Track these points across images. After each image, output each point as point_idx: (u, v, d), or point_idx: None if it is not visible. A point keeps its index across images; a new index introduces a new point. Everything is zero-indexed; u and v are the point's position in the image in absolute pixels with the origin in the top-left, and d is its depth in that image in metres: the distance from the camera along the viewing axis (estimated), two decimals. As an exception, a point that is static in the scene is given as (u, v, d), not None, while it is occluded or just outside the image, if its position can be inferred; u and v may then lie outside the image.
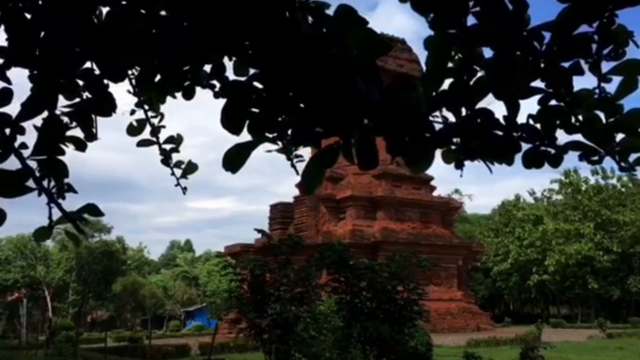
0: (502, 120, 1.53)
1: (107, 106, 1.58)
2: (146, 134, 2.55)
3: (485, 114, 1.45)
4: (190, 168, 2.49)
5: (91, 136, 1.65)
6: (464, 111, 1.51)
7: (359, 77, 1.28)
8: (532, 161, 1.54)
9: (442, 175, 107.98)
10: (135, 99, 2.43)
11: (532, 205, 56.53)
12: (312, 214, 34.67)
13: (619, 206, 49.48)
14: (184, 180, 2.52)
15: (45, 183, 1.67)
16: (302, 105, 1.48)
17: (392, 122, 1.42)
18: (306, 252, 13.16)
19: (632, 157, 1.78)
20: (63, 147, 1.65)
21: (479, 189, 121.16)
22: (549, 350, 10.70)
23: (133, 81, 2.11)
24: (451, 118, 1.55)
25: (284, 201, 37.19)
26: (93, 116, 1.62)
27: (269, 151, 2.10)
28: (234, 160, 1.74)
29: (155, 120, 2.43)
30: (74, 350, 18.62)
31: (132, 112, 2.39)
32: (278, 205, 36.64)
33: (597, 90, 1.65)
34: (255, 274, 10.55)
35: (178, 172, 2.62)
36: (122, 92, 2.24)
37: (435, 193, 39.62)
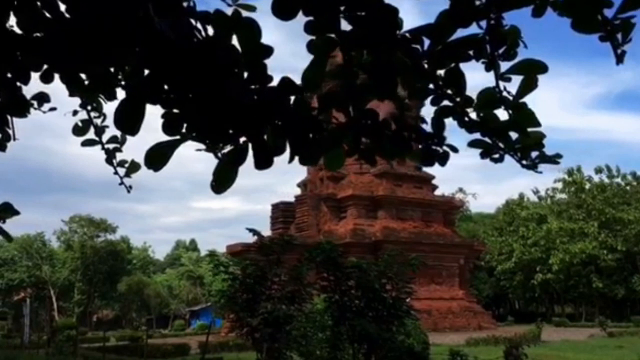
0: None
1: (21, 107, 1.64)
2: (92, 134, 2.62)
3: (372, 114, 1.50)
4: (133, 167, 2.55)
5: (7, 136, 1.71)
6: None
7: (230, 79, 1.34)
8: (424, 159, 1.60)
9: (447, 174, 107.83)
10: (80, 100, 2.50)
11: (536, 204, 56.34)
12: (313, 213, 34.74)
13: (623, 204, 49.27)
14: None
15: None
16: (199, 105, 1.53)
17: (278, 122, 1.47)
18: (303, 251, 13.19)
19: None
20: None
21: (484, 187, 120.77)
22: (539, 348, 10.71)
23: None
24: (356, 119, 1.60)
25: (286, 200, 37.31)
26: (8, 117, 1.68)
27: (198, 150, 2.16)
28: (156, 158, 1.78)
29: (98, 121, 2.49)
30: (74, 349, 18.77)
31: (75, 113, 2.45)
32: (279, 204, 36.74)
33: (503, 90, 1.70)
34: (246, 273, 10.60)
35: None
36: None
37: (440, 192, 39.67)
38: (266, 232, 34.26)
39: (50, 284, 61.78)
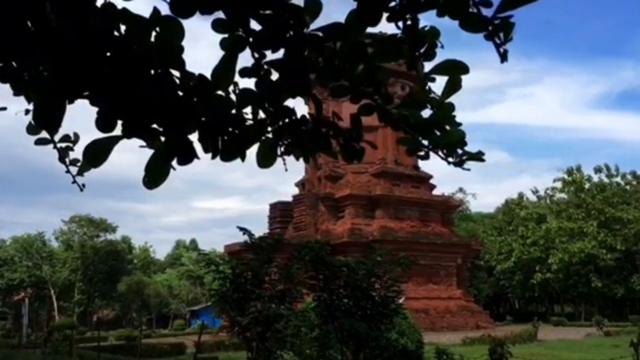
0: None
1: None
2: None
3: (288, 111, 1.52)
4: (85, 166, 2.57)
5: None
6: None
7: (146, 77, 1.35)
8: (344, 155, 1.62)
9: (447, 174, 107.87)
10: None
11: (535, 204, 56.29)
12: (311, 212, 34.76)
13: (623, 204, 49.21)
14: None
15: None
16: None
17: (198, 119, 1.49)
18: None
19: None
20: None
21: (484, 187, 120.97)
22: (534, 347, 10.70)
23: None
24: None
25: (284, 200, 37.34)
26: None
27: (142, 146, 2.17)
28: (94, 155, 1.80)
29: (51, 120, 2.51)
30: (70, 348, 18.82)
31: (27, 112, 2.47)
32: (277, 204, 36.78)
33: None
34: (236, 272, 10.62)
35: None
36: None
37: (440, 192, 39.67)
38: (265, 231, 34.31)
39: (51, 283, 61.88)
